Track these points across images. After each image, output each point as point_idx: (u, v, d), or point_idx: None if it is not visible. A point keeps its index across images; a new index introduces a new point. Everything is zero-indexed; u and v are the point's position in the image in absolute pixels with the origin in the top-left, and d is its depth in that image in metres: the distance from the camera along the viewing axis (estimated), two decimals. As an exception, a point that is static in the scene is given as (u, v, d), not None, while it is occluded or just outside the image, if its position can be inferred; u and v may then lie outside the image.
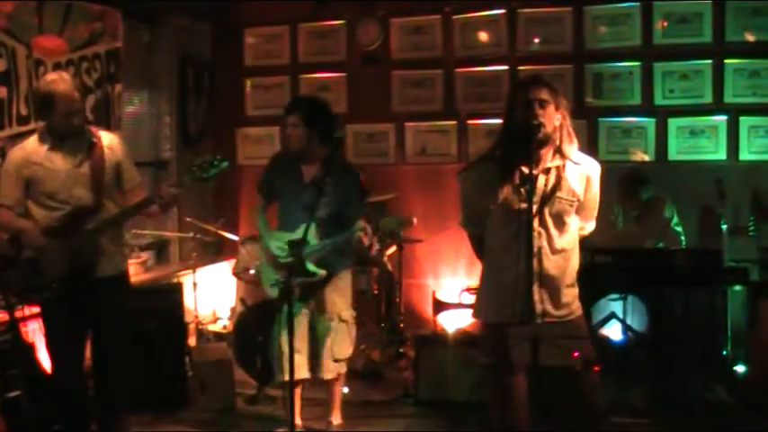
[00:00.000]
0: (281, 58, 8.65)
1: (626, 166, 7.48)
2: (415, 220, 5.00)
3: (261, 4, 8.51)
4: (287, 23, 8.60)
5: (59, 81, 4.68)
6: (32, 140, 4.82)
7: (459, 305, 6.98)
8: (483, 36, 8.07)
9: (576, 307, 4.17)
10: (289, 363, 4.38)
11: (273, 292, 5.28)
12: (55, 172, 4.70)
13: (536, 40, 7.92)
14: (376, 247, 5.19)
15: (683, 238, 7.08)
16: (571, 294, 4.14)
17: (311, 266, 5.12)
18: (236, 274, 7.18)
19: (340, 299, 5.37)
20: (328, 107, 5.51)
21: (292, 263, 4.73)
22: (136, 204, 4.80)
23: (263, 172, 5.54)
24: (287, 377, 4.61)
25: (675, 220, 7.09)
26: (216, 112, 8.73)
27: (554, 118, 4.02)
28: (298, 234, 4.89)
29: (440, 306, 7.15)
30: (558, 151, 4.06)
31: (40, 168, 4.70)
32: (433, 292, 7.37)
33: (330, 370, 5.40)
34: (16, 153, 4.82)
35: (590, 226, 4.28)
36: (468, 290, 7.02)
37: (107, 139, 4.89)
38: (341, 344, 5.40)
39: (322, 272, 5.16)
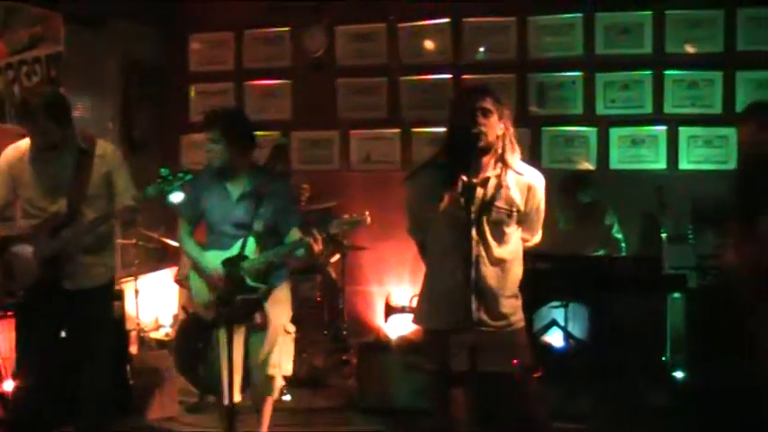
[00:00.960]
0: (225, 65, 8.61)
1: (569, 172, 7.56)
2: (368, 216, 4.90)
3: (206, 9, 8.47)
4: (232, 29, 8.56)
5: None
6: (27, 141, 4.77)
7: (410, 308, 7.01)
8: (428, 44, 8.11)
9: (517, 319, 4.17)
10: (228, 387, 4.34)
11: (208, 314, 5.08)
12: (38, 178, 4.66)
13: (481, 49, 7.98)
14: (324, 256, 5.14)
15: (623, 245, 7.17)
16: (511, 306, 4.13)
17: (251, 282, 4.94)
18: (178, 281, 7.10)
19: (282, 312, 5.19)
20: (246, 118, 5.31)
21: (231, 281, 4.67)
22: (93, 220, 4.74)
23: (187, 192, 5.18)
24: (226, 401, 4.57)
25: (616, 227, 7.18)
26: (161, 119, 8.67)
27: (497, 127, 4.04)
28: (232, 252, 4.84)
29: (391, 310, 7.18)
30: (500, 160, 4.08)
31: (25, 172, 4.67)
32: (387, 297, 7.39)
33: (274, 387, 5.20)
34: (9, 151, 4.80)
35: (534, 238, 4.29)
36: (417, 296, 7.05)
37: (101, 147, 4.84)
38: (287, 357, 5.24)
39: (262, 286, 5.01)
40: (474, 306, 3.99)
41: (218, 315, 4.83)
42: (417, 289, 4.37)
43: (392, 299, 7.37)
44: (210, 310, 4.97)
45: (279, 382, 5.20)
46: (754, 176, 5.19)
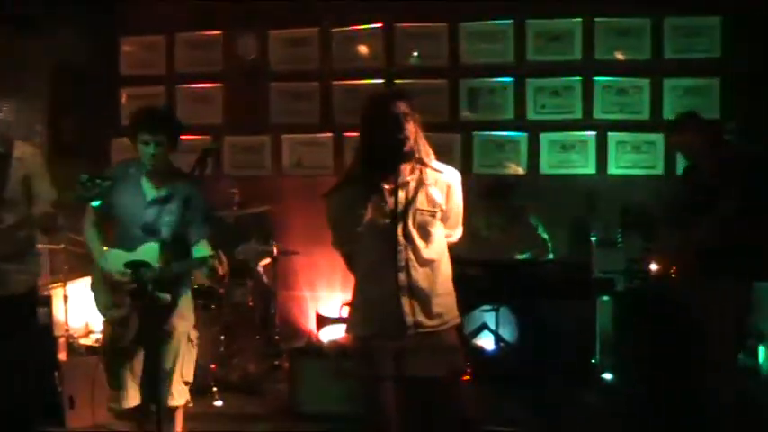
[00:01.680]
0: (157, 68, 8.53)
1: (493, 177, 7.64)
2: (275, 250, 4.86)
3: (138, 12, 8.39)
4: (164, 33, 8.49)
5: None
6: None
7: (341, 319, 7.01)
8: (360, 49, 8.13)
9: (452, 316, 4.19)
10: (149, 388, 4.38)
11: (110, 316, 4.91)
12: None
13: (414, 54, 8.01)
14: (227, 279, 5.00)
15: (549, 245, 7.24)
16: (444, 303, 4.15)
17: (154, 291, 4.73)
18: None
19: (185, 320, 5.06)
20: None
21: (137, 287, 4.58)
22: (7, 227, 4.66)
23: None
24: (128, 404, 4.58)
25: (541, 227, 7.25)
26: (91, 122, 8.55)
27: (414, 131, 4.07)
28: (138, 255, 4.73)
29: (323, 321, 7.17)
30: (419, 163, 4.09)
31: None
32: (317, 308, 7.38)
33: (181, 395, 5.04)
34: None
35: (457, 233, 4.32)
36: (347, 304, 7.06)
37: (19, 150, 4.73)
38: (189, 366, 5.10)
39: (167, 296, 4.81)
40: (408, 310, 4.02)
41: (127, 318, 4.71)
42: (349, 295, 4.37)
43: (323, 309, 7.36)
44: (112, 310, 4.84)
45: (181, 390, 5.07)
46: (688, 182, 5.34)
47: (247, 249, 4.79)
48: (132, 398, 4.89)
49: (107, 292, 4.88)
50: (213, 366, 6.83)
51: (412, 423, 4.05)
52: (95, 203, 4.65)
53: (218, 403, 6.54)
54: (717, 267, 5.24)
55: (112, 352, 4.94)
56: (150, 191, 4.89)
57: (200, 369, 6.50)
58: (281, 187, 8.11)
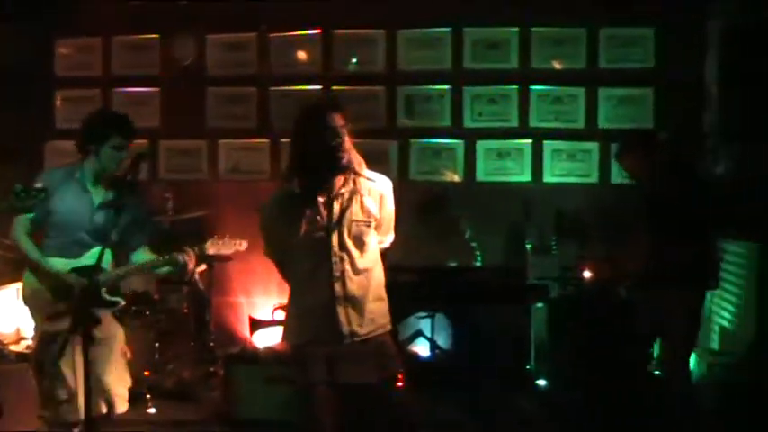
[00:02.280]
0: (93, 70, 8.41)
1: (427, 185, 7.66)
2: (243, 245, 4.92)
3: (75, 13, 8.27)
4: (100, 35, 8.38)
5: None
6: None
7: (274, 322, 6.99)
8: (298, 55, 8.11)
9: (384, 323, 4.23)
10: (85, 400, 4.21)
11: (54, 326, 4.77)
12: None
13: (353, 60, 8.02)
14: (193, 273, 5.04)
15: (478, 252, 7.29)
16: (378, 309, 4.19)
17: (107, 295, 4.80)
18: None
19: (119, 325, 5.09)
20: None
21: (86, 292, 4.52)
22: None
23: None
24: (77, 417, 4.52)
25: (470, 235, 7.29)
26: (24, 124, 8.41)
27: (349, 142, 4.08)
28: (81, 261, 4.72)
29: (256, 325, 7.14)
30: (352, 173, 4.12)
31: None
32: (251, 315, 7.34)
33: (124, 401, 5.07)
34: None
35: (388, 239, 4.37)
36: (280, 307, 7.04)
37: None
38: (127, 371, 5.15)
39: (121, 300, 4.89)
40: (344, 319, 4.05)
41: (72, 326, 4.49)
42: (284, 299, 4.38)
43: (253, 312, 7.33)
44: (54, 319, 4.75)
45: (125, 395, 5.08)
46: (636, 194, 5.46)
47: (216, 244, 4.82)
48: (79, 410, 4.73)
49: (49, 302, 4.80)
50: (147, 373, 6.76)
51: (347, 430, 4.05)
52: (29, 215, 4.61)
53: (152, 410, 6.47)
54: (670, 276, 5.34)
55: (52, 364, 4.85)
56: (98, 195, 4.88)
57: (133, 376, 6.49)
58: (218, 192, 8.05)
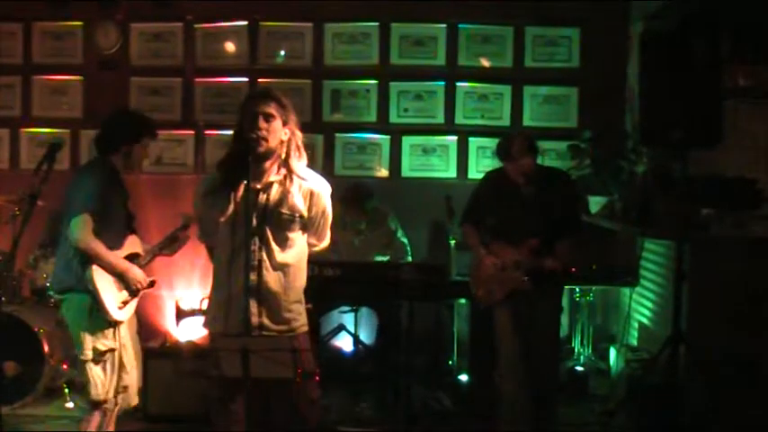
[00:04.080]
0: (13, 57, 8.19)
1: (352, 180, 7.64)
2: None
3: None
4: (20, 21, 8.16)
5: None
6: None
7: (200, 311, 6.91)
8: (224, 47, 8.03)
9: (300, 324, 4.22)
10: None
11: (122, 315, 5.03)
12: None
13: (281, 53, 7.97)
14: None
15: (408, 248, 7.31)
16: (294, 311, 4.18)
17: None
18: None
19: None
20: None
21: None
22: None
23: (101, 185, 5.01)
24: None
25: (400, 231, 7.31)
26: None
27: (280, 132, 4.05)
28: (127, 249, 5.10)
29: (182, 314, 7.06)
30: (284, 166, 4.10)
31: None
32: (177, 301, 7.27)
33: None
34: None
35: (322, 244, 4.35)
36: (207, 297, 6.97)
37: None
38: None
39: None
40: (255, 311, 4.03)
41: None
42: (207, 292, 4.37)
43: (182, 303, 7.25)
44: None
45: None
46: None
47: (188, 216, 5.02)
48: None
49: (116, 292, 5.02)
50: (65, 367, 6.63)
51: (256, 424, 4.03)
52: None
53: (70, 405, 6.37)
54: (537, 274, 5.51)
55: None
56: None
57: (51, 370, 6.39)
58: (140, 184, 7.91)
